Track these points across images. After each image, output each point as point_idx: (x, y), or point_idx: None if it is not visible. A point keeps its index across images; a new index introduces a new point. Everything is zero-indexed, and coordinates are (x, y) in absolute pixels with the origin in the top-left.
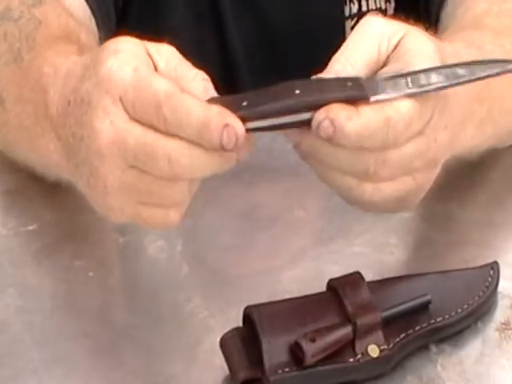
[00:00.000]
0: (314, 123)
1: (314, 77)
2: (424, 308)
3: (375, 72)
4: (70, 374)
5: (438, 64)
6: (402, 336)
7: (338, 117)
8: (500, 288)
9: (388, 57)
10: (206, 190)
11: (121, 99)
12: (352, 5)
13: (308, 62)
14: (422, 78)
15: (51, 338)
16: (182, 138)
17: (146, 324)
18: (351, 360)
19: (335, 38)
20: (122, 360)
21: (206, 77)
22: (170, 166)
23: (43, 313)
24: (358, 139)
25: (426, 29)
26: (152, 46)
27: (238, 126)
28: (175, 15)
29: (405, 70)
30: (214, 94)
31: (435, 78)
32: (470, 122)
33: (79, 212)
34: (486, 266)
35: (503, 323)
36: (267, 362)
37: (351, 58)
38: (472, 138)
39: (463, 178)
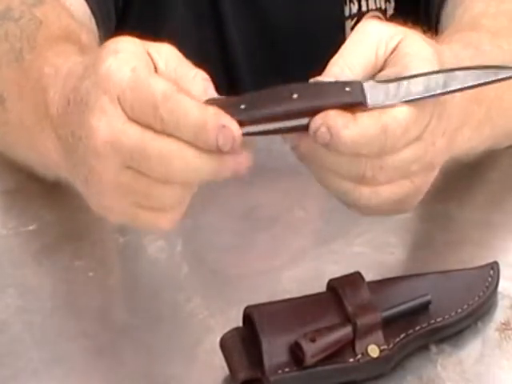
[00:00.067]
0: (311, 129)
1: (312, 80)
2: (424, 308)
3: (373, 76)
4: (69, 374)
5: (437, 67)
6: (402, 336)
7: (334, 124)
8: (500, 288)
9: (386, 60)
10: (206, 190)
11: (119, 99)
12: (352, 5)
13: (308, 61)
14: (419, 83)
15: (51, 338)
16: (178, 140)
17: (146, 324)
18: (351, 360)
19: (335, 38)
20: (122, 360)
21: (206, 76)
22: (164, 168)
23: (43, 313)
24: (354, 146)
25: (424, 32)
26: (152, 46)
27: (235, 128)
28: (175, 15)
29: (403, 74)
30: (213, 94)
31: (433, 83)
32: (467, 124)
33: (79, 212)
34: (485, 266)
35: (503, 323)
36: (267, 362)
37: (349, 62)
38: (469, 140)
39: (462, 178)
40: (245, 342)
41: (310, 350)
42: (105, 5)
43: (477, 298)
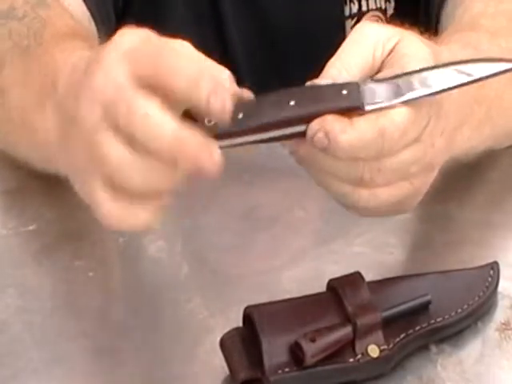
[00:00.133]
0: (309, 135)
1: (309, 83)
2: (424, 308)
3: (371, 77)
4: (69, 374)
5: None
6: (402, 336)
7: (332, 129)
8: (500, 288)
9: (383, 62)
10: (206, 190)
11: (125, 55)
12: (352, 4)
13: (308, 61)
14: (417, 82)
15: (51, 338)
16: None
17: (146, 324)
18: (351, 360)
19: (335, 38)
20: (122, 360)
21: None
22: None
23: (43, 313)
24: (352, 151)
25: (421, 33)
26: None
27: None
28: (175, 15)
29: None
30: None
31: (430, 81)
32: (467, 124)
33: (79, 212)
34: (485, 266)
35: (503, 323)
36: (267, 362)
37: (346, 63)
38: (469, 140)
39: (462, 178)
40: (245, 342)
41: (310, 350)
42: (104, 6)
43: (477, 298)
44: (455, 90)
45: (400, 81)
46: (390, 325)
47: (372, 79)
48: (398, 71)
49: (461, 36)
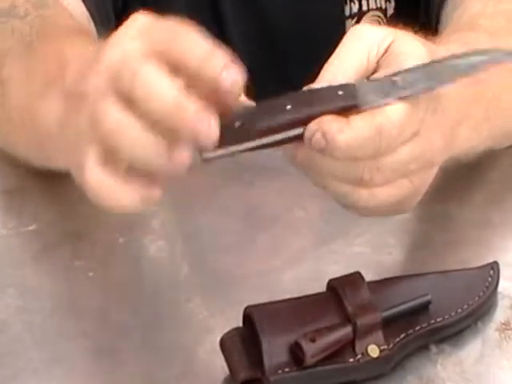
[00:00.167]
0: (307, 136)
1: (305, 88)
2: (424, 308)
3: (366, 78)
4: (69, 374)
5: None
6: (402, 336)
7: (329, 129)
8: (500, 288)
9: (378, 62)
10: (206, 190)
11: (139, 32)
12: (352, 4)
13: (308, 61)
14: (411, 78)
15: (51, 338)
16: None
17: (146, 324)
18: (351, 360)
19: (336, 38)
20: (122, 360)
21: None
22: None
23: (43, 313)
24: (350, 150)
25: (416, 32)
26: None
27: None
28: (175, 15)
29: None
30: None
31: (426, 77)
32: (465, 124)
33: (79, 212)
34: (485, 266)
35: (503, 323)
36: (267, 362)
37: (341, 67)
38: (468, 140)
39: (462, 178)
40: (245, 341)
41: (310, 350)
42: (103, 6)
43: (477, 298)
44: (452, 88)
45: (395, 78)
46: (390, 325)
47: (368, 79)
48: (395, 70)
49: (459, 36)
